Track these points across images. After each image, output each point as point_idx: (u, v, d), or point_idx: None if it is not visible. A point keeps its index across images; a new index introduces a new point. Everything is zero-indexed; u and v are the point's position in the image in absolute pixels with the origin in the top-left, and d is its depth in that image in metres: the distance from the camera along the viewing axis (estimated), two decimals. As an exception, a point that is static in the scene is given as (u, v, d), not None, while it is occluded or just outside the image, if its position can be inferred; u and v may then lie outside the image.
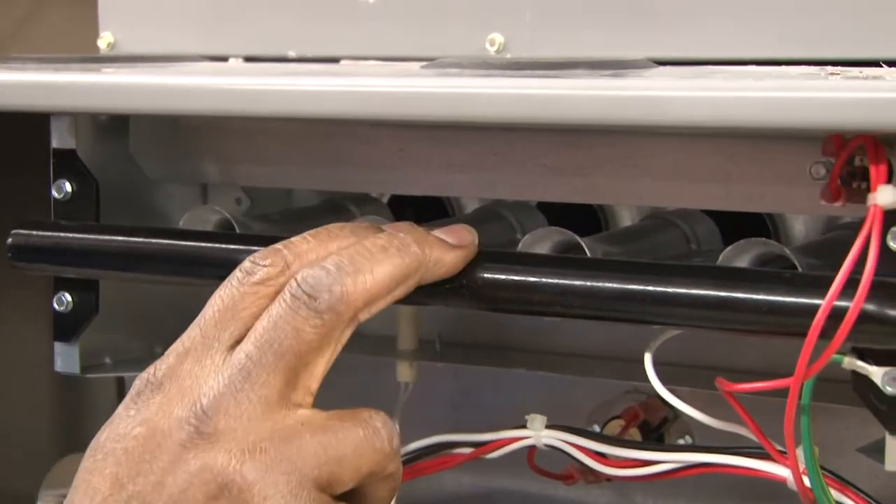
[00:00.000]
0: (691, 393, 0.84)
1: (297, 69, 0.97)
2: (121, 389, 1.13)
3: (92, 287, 0.94)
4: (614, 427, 0.94)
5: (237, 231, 0.94)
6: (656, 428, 0.96)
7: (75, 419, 1.12)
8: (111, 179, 0.97)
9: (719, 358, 0.98)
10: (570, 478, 0.90)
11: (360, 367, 1.10)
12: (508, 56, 0.99)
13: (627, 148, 0.87)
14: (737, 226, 0.93)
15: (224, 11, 1.09)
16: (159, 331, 1.01)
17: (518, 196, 0.93)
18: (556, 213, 0.98)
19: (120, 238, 0.90)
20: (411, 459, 0.90)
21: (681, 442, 0.95)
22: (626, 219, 0.99)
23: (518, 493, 1.04)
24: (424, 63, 0.91)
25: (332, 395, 1.13)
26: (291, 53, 1.06)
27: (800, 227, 0.95)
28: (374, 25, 1.04)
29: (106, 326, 0.96)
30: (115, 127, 0.98)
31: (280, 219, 0.99)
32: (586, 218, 0.99)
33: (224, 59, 1.08)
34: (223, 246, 0.86)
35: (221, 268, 0.77)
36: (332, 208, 1.03)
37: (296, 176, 0.97)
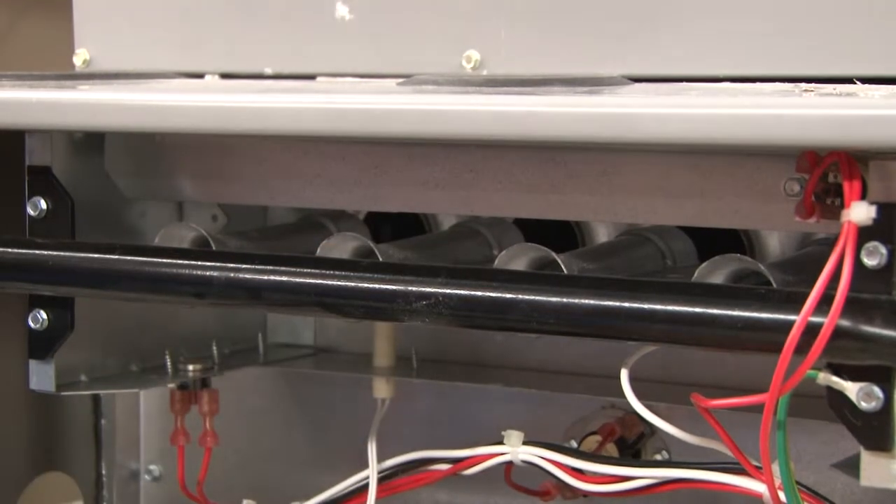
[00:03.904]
0: (668, 409, 0.84)
1: (273, 86, 0.97)
2: (97, 407, 1.13)
3: (67, 305, 0.94)
4: (591, 443, 0.95)
5: (213, 248, 0.93)
6: (633, 443, 0.96)
7: (51, 438, 1.11)
8: (86, 197, 0.96)
9: (696, 373, 0.98)
10: (547, 494, 0.90)
11: (337, 383, 1.10)
12: (484, 73, 0.99)
13: (603, 164, 0.87)
14: (712, 242, 0.93)
15: (200, 28, 1.09)
16: (135, 348, 1.01)
17: (494, 213, 0.93)
18: (533, 230, 0.98)
19: (95, 256, 0.90)
20: (388, 476, 0.90)
21: (657, 457, 0.95)
22: (603, 235, 0.99)
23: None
24: (401, 80, 0.91)
25: (309, 412, 1.13)
26: (268, 70, 1.06)
27: (775, 242, 0.95)
28: (350, 42, 1.04)
29: (81, 344, 0.96)
30: (90, 144, 0.98)
31: (257, 236, 0.99)
32: (563, 234, 0.99)
33: (200, 75, 1.08)
34: (199, 263, 0.86)
35: (196, 285, 0.77)
36: (309, 225, 1.03)
37: (272, 193, 0.97)
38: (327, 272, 0.84)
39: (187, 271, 0.86)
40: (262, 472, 1.14)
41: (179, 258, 0.87)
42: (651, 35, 0.94)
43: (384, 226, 1.06)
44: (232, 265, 0.85)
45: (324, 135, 0.86)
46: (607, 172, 0.87)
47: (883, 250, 0.73)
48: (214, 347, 1.05)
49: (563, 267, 0.84)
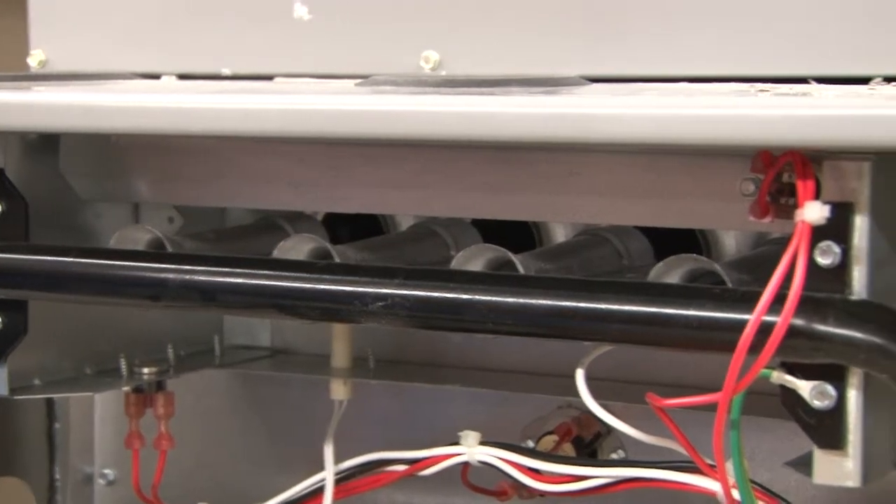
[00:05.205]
0: (624, 408, 0.84)
1: (231, 87, 0.97)
2: (51, 411, 1.12)
3: (21, 308, 0.93)
4: (548, 442, 0.95)
5: (169, 250, 0.93)
6: (590, 443, 0.96)
7: (3, 442, 1.10)
8: (41, 199, 0.96)
9: (654, 373, 0.99)
10: (503, 494, 0.90)
11: (293, 385, 1.09)
12: (443, 73, 0.99)
13: (562, 165, 0.87)
14: (670, 241, 0.93)
15: (157, 29, 1.08)
16: (89, 351, 1.00)
17: (452, 213, 0.93)
18: (491, 230, 0.98)
19: (49, 258, 0.89)
20: (345, 478, 0.90)
21: (614, 457, 0.96)
22: (561, 235, 1.00)
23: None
24: (359, 80, 0.90)
25: (266, 414, 1.13)
26: (225, 71, 1.06)
27: (731, 242, 0.95)
28: (308, 43, 1.04)
29: (35, 347, 0.95)
30: (44, 146, 0.97)
31: (214, 237, 0.99)
32: (521, 234, 0.99)
33: (157, 76, 1.07)
34: (154, 265, 0.86)
35: (152, 288, 0.77)
36: (266, 227, 1.02)
37: (229, 194, 0.97)
38: (283, 274, 0.84)
39: (142, 273, 0.86)
40: (219, 474, 1.14)
41: (134, 260, 0.87)
42: (609, 36, 0.95)
43: (342, 227, 1.05)
44: (187, 267, 0.84)
45: (280, 136, 0.85)
46: (566, 173, 0.88)
47: (836, 249, 0.73)
48: (170, 350, 1.05)
49: (520, 267, 0.84)
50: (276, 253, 0.90)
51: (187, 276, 0.84)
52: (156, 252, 0.92)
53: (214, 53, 1.06)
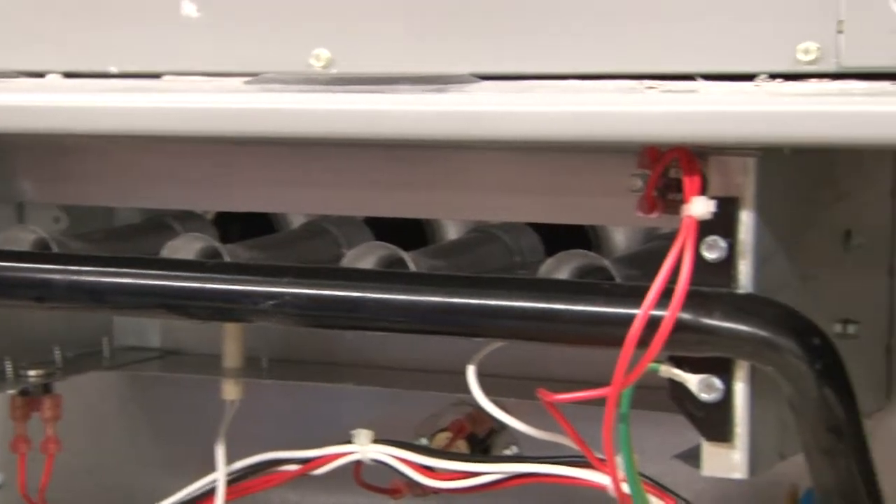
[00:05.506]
0: (517, 404, 0.84)
1: (118, 85, 0.95)
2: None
3: None
4: (442, 439, 0.95)
5: (55, 251, 0.92)
6: (483, 439, 0.96)
7: None
8: (-80, 199, 0.94)
9: (545, 369, 0.99)
10: (397, 492, 0.90)
11: (184, 386, 1.08)
12: (334, 71, 0.99)
13: (453, 163, 0.88)
14: (561, 238, 0.94)
15: (42, 25, 1.06)
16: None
17: (344, 211, 0.93)
18: (384, 229, 0.98)
19: (-69, 259, 0.87)
20: (237, 478, 0.90)
21: (507, 452, 0.96)
22: (453, 233, 1.00)
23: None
24: (248, 79, 0.90)
25: (157, 416, 1.12)
26: (112, 69, 1.05)
27: (621, 238, 0.96)
28: (197, 40, 1.03)
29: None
30: (-74, 145, 0.96)
31: (101, 237, 0.97)
32: (414, 233, 0.99)
33: (41, 75, 1.06)
34: (39, 266, 0.84)
35: (37, 289, 0.76)
36: (155, 226, 1.01)
37: (117, 193, 0.96)
38: (172, 273, 0.83)
39: (27, 274, 0.84)
40: (109, 478, 1.13)
41: (19, 261, 0.85)
42: (500, 33, 0.95)
43: (233, 226, 1.04)
44: (73, 267, 0.83)
45: (168, 135, 0.84)
46: (458, 171, 0.88)
47: (722, 244, 0.74)
48: (57, 352, 1.03)
49: (410, 265, 0.84)
50: (165, 252, 0.89)
51: (73, 277, 0.83)
52: (40, 252, 0.91)
53: (101, 51, 1.04)
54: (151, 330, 1.11)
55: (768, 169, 0.75)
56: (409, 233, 0.98)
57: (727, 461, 0.75)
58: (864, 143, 0.70)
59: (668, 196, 0.76)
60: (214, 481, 0.90)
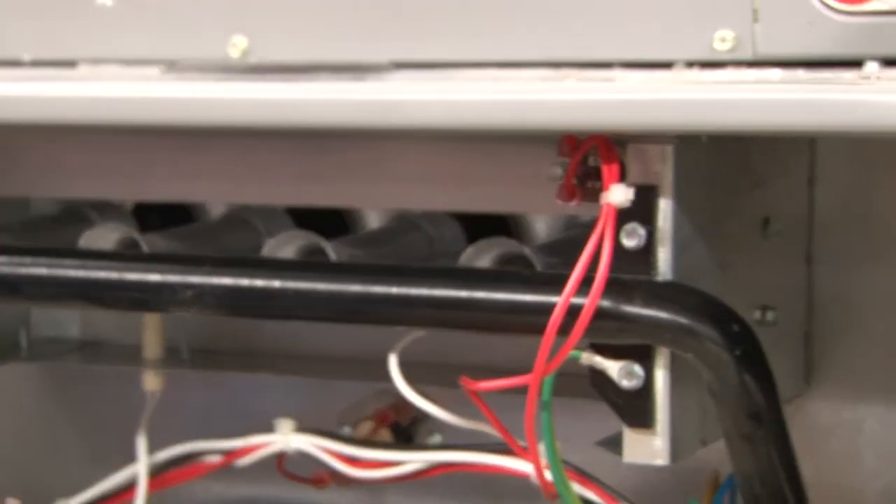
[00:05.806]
0: (440, 392, 0.85)
1: (31, 74, 0.94)
2: None
3: None
4: (365, 428, 0.94)
5: (-31, 243, 0.90)
6: (407, 428, 0.96)
7: None
8: None
9: (469, 357, 0.99)
10: (321, 481, 0.90)
11: (104, 377, 1.07)
12: (253, 60, 0.98)
13: (373, 152, 0.87)
14: (482, 227, 0.94)
15: (-49, 12, 1.05)
16: None
17: (264, 201, 0.93)
18: (306, 218, 0.97)
19: None
20: (159, 470, 0.89)
21: (430, 441, 0.96)
22: (375, 222, 0.99)
23: (269, 499, 1.04)
24: (164, 67, 0.89)
25: (77, 408, 1.11)
26: (25, 56, 1.03)
27: (542, 226, 0.96)
28: (112, 27, 1.01)
29: None
30: None
31: (18, 228, 0.96)
32: (335, 222, 0.99)
33: (-50, 63, 1.04)
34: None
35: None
36: (73, 217, 1.00)
37: (33, 184, 0.94)
38: (90, 263, 0.82)
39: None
40: (28, 471, 1.11)
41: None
42: (419, 21, 0.95)
43: (152, 216, 1.03)
44: (-11, 260, 0.82)
45: (83, 124, 0.83)
46: (377, 160, 0.88)
47: (641, 231, 0.74)
48: (-26, 344, 1.02)
49: (331, 254, 0.84)
50: (82, 243, 0.88)
51: (-12, 269, 0.82)
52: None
53: (13, 38, 1.03)
54: (70, 321, 1.09)
55: (686, 157, 0.75)
56: (330, 222, 0.97)
57: (649, 448, 0.76)
58: (779, 131, 0.71)
59: (587, 184, 0.76)
60: (135, 473, 0.89)
